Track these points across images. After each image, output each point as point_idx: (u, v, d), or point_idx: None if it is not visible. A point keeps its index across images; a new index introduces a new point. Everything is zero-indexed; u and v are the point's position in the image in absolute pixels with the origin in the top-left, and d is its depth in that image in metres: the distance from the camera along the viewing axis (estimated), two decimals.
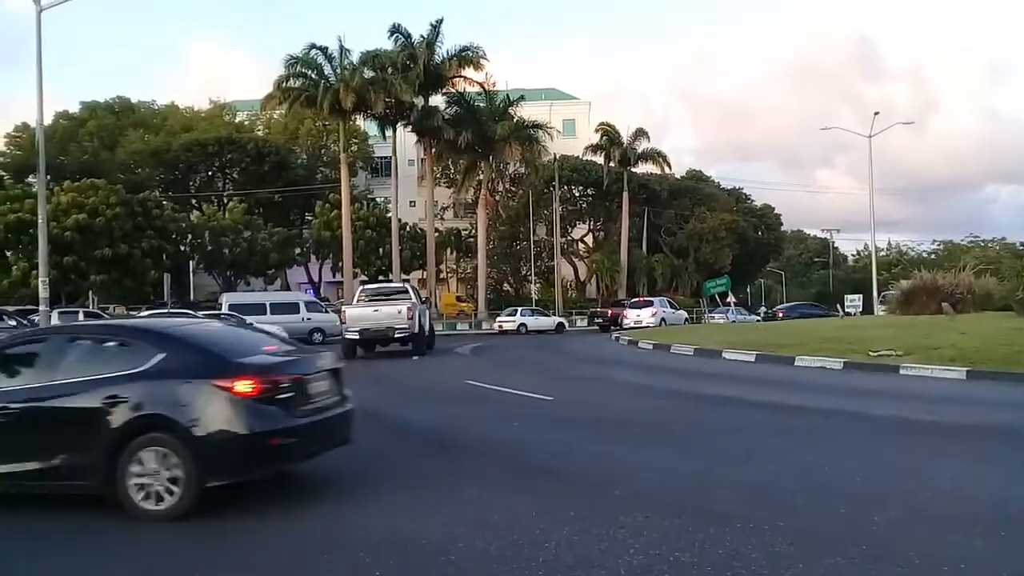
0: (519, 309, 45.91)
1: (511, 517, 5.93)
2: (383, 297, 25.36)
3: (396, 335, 23.54)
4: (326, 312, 35.35)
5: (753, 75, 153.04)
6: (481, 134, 48.88)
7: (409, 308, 23.71)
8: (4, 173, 51.68)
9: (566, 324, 46.83)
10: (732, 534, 5.26)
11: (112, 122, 60.05)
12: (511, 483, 7.13)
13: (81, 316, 30.25)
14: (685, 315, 47.27)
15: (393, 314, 23.54)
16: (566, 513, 5.97)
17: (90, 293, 40.40)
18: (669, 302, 45.74)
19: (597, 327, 45.45)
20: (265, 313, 31.64)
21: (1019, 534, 5.28)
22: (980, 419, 10.32)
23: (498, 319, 44.57)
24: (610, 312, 47.14)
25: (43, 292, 20.52)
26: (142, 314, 27.39)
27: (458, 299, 59.96)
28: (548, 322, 44.74)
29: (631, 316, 42.09)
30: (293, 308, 33.50)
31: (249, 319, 29.21)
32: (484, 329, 46.69)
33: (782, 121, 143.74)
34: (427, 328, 26.05)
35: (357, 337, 23.75)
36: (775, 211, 73.82)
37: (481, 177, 54.03)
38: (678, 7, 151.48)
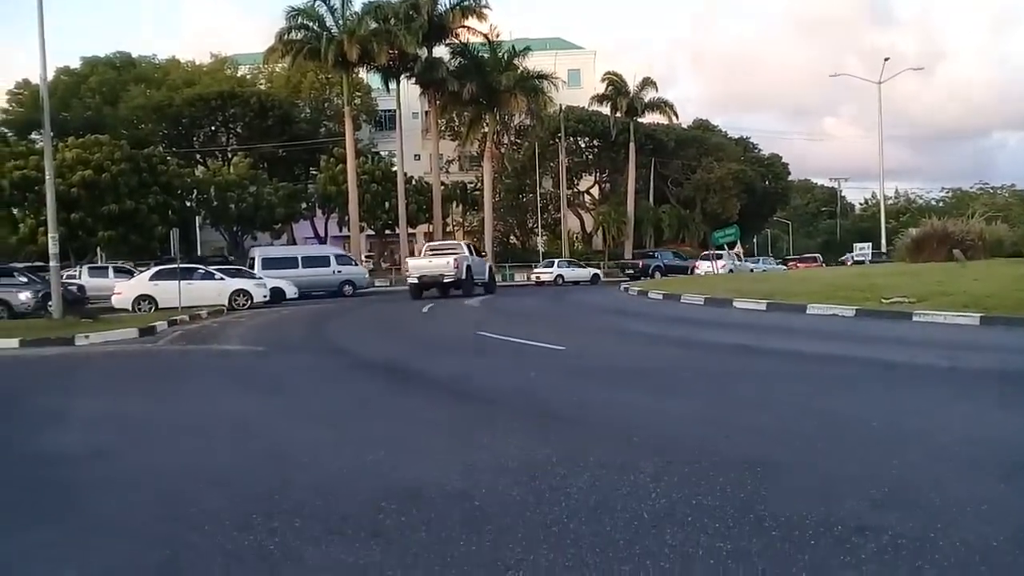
0: (556, 260, 46.36)
1: (531, 464, 5.94)
2: (440, 251, 31.33)
3: (445, 280, 29.29)
4: (355, 265, 36.10)
5: (760, 23, 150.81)
6: (486, 85, 48.39)
7: (456, 260, 29.58)
8: (7, 130, 51.43)
9: (601, 275, 46.93)
10: (752, 478, 5.26)
11: (114, 77, 59.44)
12: (528, 431, 7.14)
13: (111, 273, 30.38)
14: (751, 265, 48.61)
15: (443, 264, 29.50)
16: (585, 459, 5.98)
17: (98, 249, 40.44)
18: (737, 255, 47.15)
19: (627, 278, 45.57)
20: (297, 267, 32.37)
21: None
22: (996, 364, 10.29)
23: (535, 270, 44.74)
24: (640, 263, 48.44)
25: (53, 248, 20.47)
26: (152, 270, 27.48)
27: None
28: (584, 273, 45.10)
29: (702, 267, 44.06)
30: (324, 261, 34.17)
31: (282, 272, 29.85)
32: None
33: (789, 70, 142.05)
34: (485, 275, 32.33)
35: (416, 281, 29.66)
36: (782, 160, 73.22)
37: (486, 129, 53.60)
38: None
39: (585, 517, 4.66)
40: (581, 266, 47.62)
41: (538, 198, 58.46)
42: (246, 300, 26.89)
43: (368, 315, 23.02)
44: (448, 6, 47.78)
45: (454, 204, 61.56)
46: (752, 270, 45.31)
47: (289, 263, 32.67)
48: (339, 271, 34.02)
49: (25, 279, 24.81)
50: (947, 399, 8.05)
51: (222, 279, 27.36)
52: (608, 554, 4.11)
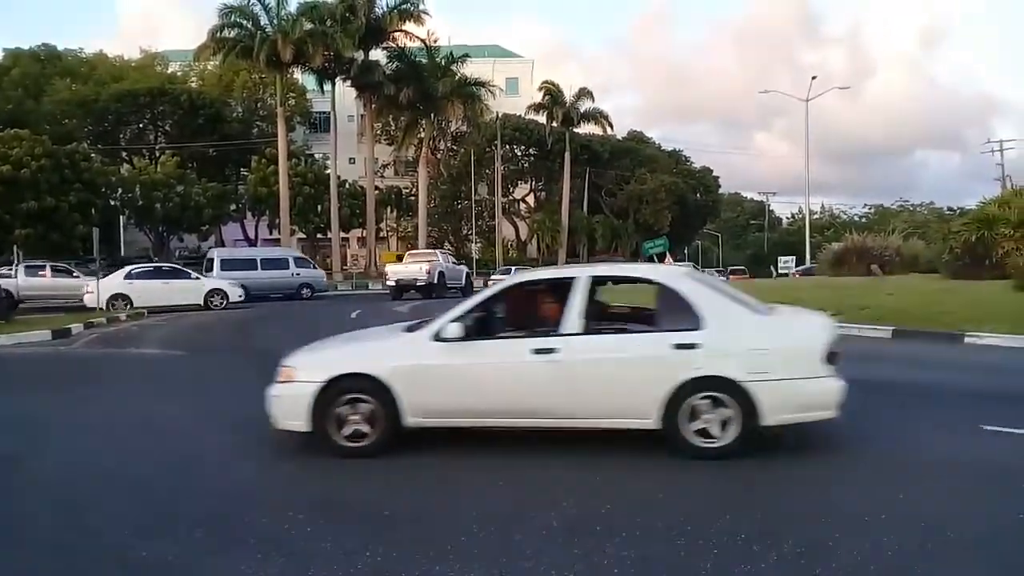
0: (513, 268, 46.48)
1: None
2: (417, 259, 35.09)
3: (419, 283, 32.45)
4: (314, 268, 35.80)
5: (695, 37, 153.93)
6: (423, 91, 48.28)
7: (429, 266, 33.00)
8: None
9: None
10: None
11: (37, 70, 57.37)
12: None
13: (49, 272, 29.25)
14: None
15: (416, 270, 32.96)
16: (518, 459, 6.01)
17: (15, 248, 39.01)
18: (694, 266, 49.19)
19: None
20: (256, 268, 32.02)
21: (941, 486, 5.49)
22: (903, 376, 10.67)
23: (492, 277, 44.83)
24: None
25: None
26: (126, 268, 27.11)
27: (398, 257, 59.50)
28: None
29: None
30: (283, 264, 33.81)
31: (240, 274, 29.28)
32: None
33: (722, 84, 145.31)
34: (461, 281, 35.74)
35: (395, 284, 33.02)
36: (713, 173, 74.76)
37: (422, 135, 53.49)
38: None
39: (495, 527, 4.67)
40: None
41: (473, 205, 58.53)
42: (222, 300, 26.74)
43: (308, 318, 22.70)
44: (386, 9, 47.57)
45: (388, 209, 61.16)
46: None
47: (248, 264, 32.24)
48: (298, 273, 33.72)
49: None
50: (854, 412, 8.30)
51: (197, 278, 27.23)
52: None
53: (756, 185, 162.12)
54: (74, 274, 29.20)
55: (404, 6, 47.32)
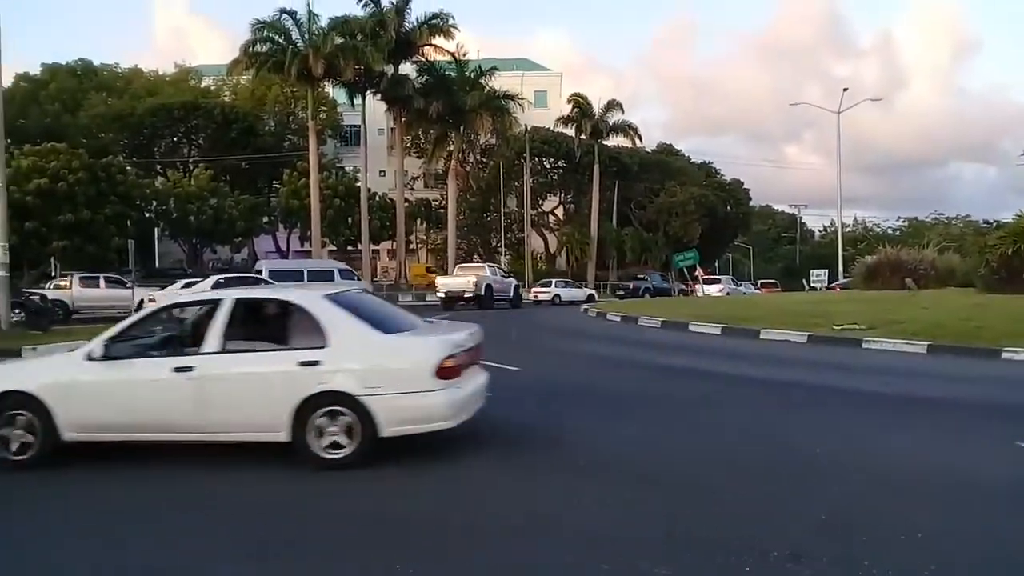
0: (553, 281, 46.83)
1: (478, 483, 5.94)
2: (465, 272, 36.89)
3: (466, 295, 34.00)
4: (358, 280, 36.03)
5: (725, 49, 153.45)
6: (452, 104, 48.50)
7: (477, 278, 34.63)
8: None
9: (596, 296, 47.55)
10: (693, 504, 5.31)
11: (74, 85, 58.56)
12: (476, 450, 7.13)
13: (102, 283, 29.83)
14: (745, 289, 53.16)
15: (464, 283, 34.68)
16: (531, 480, 6.00)
17: (52, 259, 39.67)
18: (732, 279, 52.90)
19: (618, 299, 46.67)
20: (303, 280, 32.14)
21: (974, 505, 5.38)
22: (939, 392, 10.50)
23: (533, 289, 44.93)
24: (632, 284, 50.76)
25: (2, 258, 20.02)
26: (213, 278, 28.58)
27: (428, 270, 59.76)
28: (580, 293, 45.68)
29: (699, 290, 47.60)
30: (329, 275, 34.02)
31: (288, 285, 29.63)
32: None
33: (752, 96, 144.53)
34: (510, 293, 37.33)
35: (444, 295, 34.74)
36: (744, 186, 74.26)
37: (452, 147, 53.70)
38: None
39: (525, 539, 4.66)
40: (578, 286, 48.61)
41: (502, 217, 58.62)
42: None
43: None
44: (416, 24, 47.90)
45: (418, 221, 61.47)
46: (745, 293, 49.66)
47: (295, 276, 32.36)
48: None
49: None
50: (890, 426, 8.18)
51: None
52: None
53: (787, 197, 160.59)
54: (127, 285, 29.88)
55: (434, 21, 47.63)
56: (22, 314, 20.75)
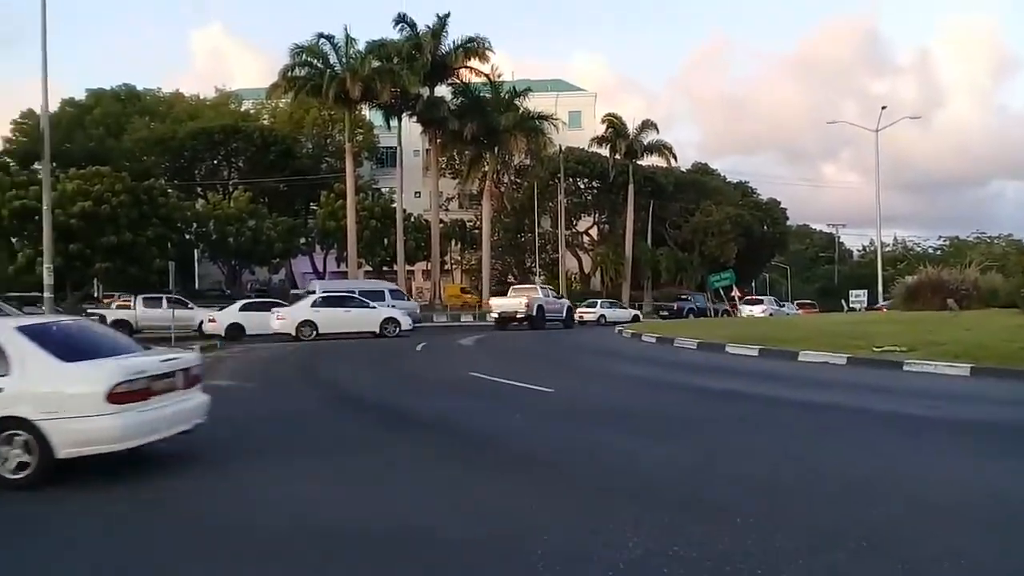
0: (599, 301, 46.99)
1: (510, 508, 5.93)
2: (518, 293, 37.28)
3: (518, 316, 34.66)
4: (408, 300, 37.03)
5: (760, 68, 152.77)
6: (486, 125, 48.82)
7: (528, 299, 35.15)
8: (9, 160, 51.69)
9: (640, 316, 47.58)
10: (732, 528, 5.25)
11: (118, 109, 59.92)
12: (512, 474, 7.14)
13: (164, 303, 30.63)
14: (788, 310, 53.72)
15: (516, 303, 35.30)
16: (567, 505, 5.98)
17: (95, 281, 40.45)
18: (775, 299, 53.52)
19: (662, 319, 47.01)
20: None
21: (1019, 530, 5.27)
22: (983, 415, 10.30)
23: (579, 310, 45.14)
24: (676, 305, 51.54)
25: (47, 279, 20.57)
26: (312, 297, 30.50)
27: (462, 290, 60.01)
28: (625, 314, 45.77)
29: (744, 310, 48.02)
30: (380, 296, 34.65)
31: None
32: (488, 320, 46.68)
33: (788, 115, 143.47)
34: (562, 313, 37.95)
35: (497, 316, 35.40)
36: (780, 205, 73.64)
37: (486, 168, 53.98)
38: (682, 1, 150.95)
39: (560, 566, 4.64)
40: (622, 307, 48.66)
41: (536, 238, 58.71)
42: (395, 328, 29.08)
43: (379, 351, 22.97)
44: (451, 47, 48.37)
45: (453, 242, 61.76)
46: (788, 314, 50.30)
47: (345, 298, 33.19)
48: (392, 306, 34.36)
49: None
50: (932, 450, 8.04)
51: (374, 307, 30.03)
52: None
53: (825, 217, 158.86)
54: (188, 306, 31.14)
55: (469, 44, 48.07)
56: None
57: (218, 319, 28.67)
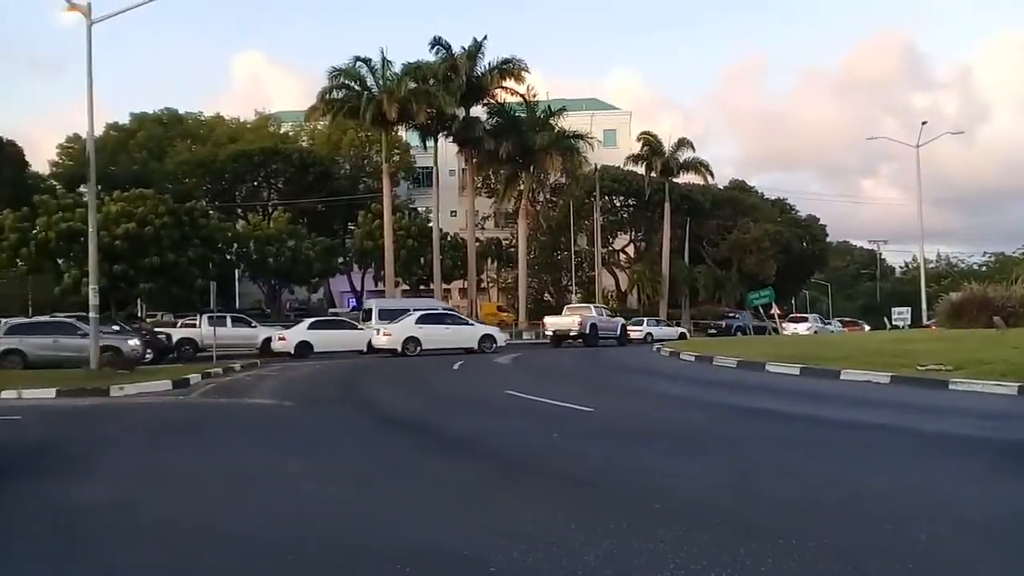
0: (645, 319, 46.99)
1: (550, 529, 5.87)
2: (572, 312, 39.14)
3: (571, 333, 36.07)
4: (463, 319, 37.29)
5: (797, 84, 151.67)
6: (522, 144, 49.01)
7: (582, 318, 36.72)
8: (56, 183, 52.97)
9: (688, 334, 47.37)
10: (774, 550, 5.14)
11: (160, 133, 61.29)
12: (549, 494, 7.08)
13: (229, 322, 31.62)
14: (834, 328, 53.97)
15: (569, 322, 36.80)
16: (605, 526, 5.90)
17: (139, 301, 41.15)
18: (819, 317, 54.36)
19: (710, 336, 47.30)
20: (407, 317, 33.19)
21: None
22: None
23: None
24: (724, 323, 51.50)
25: (93, 299, 20.95)
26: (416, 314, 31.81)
27: (499, 309, 60.06)
28: (672, 332, 45.72)
29: (789, 328, 48.37)
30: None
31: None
32: (524, 339, 46.65)
33: (826, 131, 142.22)
34: (616, 331, 39.06)
35: (552, 333, 36.88)
36: (820, 222, 72.83)
37: (522, 187, 54.13)
38: (717, 18, 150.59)
39: None
40: (669, 325, 48.50)
41: (573, 256, 58.66)
42: (491, 344, 31.05)
43: (417, 369, 23.10)
44: (487, 68, 48.72)
45: (489, 260, 61.93)
46: (833, 331, 50.09)
47: (403, 315, 33.70)
48: None
49: (117, 327, 26.27)
50: (980, 471, 7.83)
51: (473, 325, 32.07)
52: None
53: (866, 233, 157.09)
54: (252, 324, 32.11)
55: (504, 65, 48.38)
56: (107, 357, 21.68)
57: (288, 337, 29.95)
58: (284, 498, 7.17)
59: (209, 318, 31.50)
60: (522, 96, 50.43)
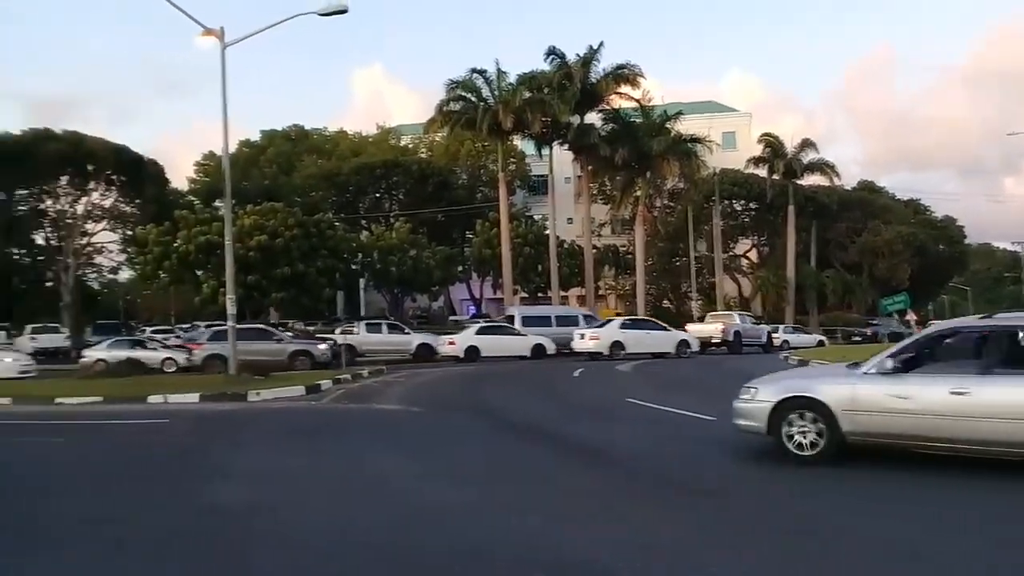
0: (780, 327, 46.05)
1: (675, 540, 5.77)
2: (714, 319, 39.76)
3: (714, 340, 36.25)
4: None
5: (925, 81, 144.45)
6: (638, 150, 48.49)
7: (725, 325, 37.36)
8: (194, 198, 56.11)
9: (826, 341, 46.03)
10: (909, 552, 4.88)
11: (289, 149, 64.03)
12: (672, 504, 6.95)
13: (385, 329, 33.56)
14: None
15: (712, 329, 37.41)
16: (730, 537, 5.75)
17: (271, 309, 43.03)
18: (908, 322, 52.16)
19: (854, 344, 45.17)
20: (551, 325, 34.60)
21: None
22: None
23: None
24: (868, 330, 50.12)
25: (231, 308, 22.03)
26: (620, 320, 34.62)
27: (617, 315, 59.56)
28: (809, 339, 44.53)
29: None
30: (574, 320, 35.71)
31: (539, 329, 33.25)
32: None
33: (960, 127, 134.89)
34: (762, 338, 39.16)
35: (697, 340, 34.91)
36: (957, 223, 69.00)
37: (638, 193, 53.53)
38: (836, 15, 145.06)
39: None
40: (806, 332, 46.95)
41: (692, 262, 57.57)
42: (687, 349, 32.17)
43: (535, 375, 23.28)
44: (601, 74, 48.46)
45: (606, 267, 61.58)
46: None
47: (544, 321, 34.96)
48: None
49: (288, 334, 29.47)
50: None
51: (670, 330, 33.21)
52: None
53: (1009, 234, 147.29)
54: (405, 331, 34.00)
55: (619, 71, 48.03)
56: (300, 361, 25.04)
57: (457, 342, 31.33)
58: (411, 503, 7.33)
59: (367, 325, 33.27)
60: (637, 101, 49.90)
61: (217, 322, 33.78)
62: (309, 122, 71.34)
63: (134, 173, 52.18)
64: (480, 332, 32.28)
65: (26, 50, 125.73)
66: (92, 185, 52.33)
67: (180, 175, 62.49)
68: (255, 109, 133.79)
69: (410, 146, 67.02)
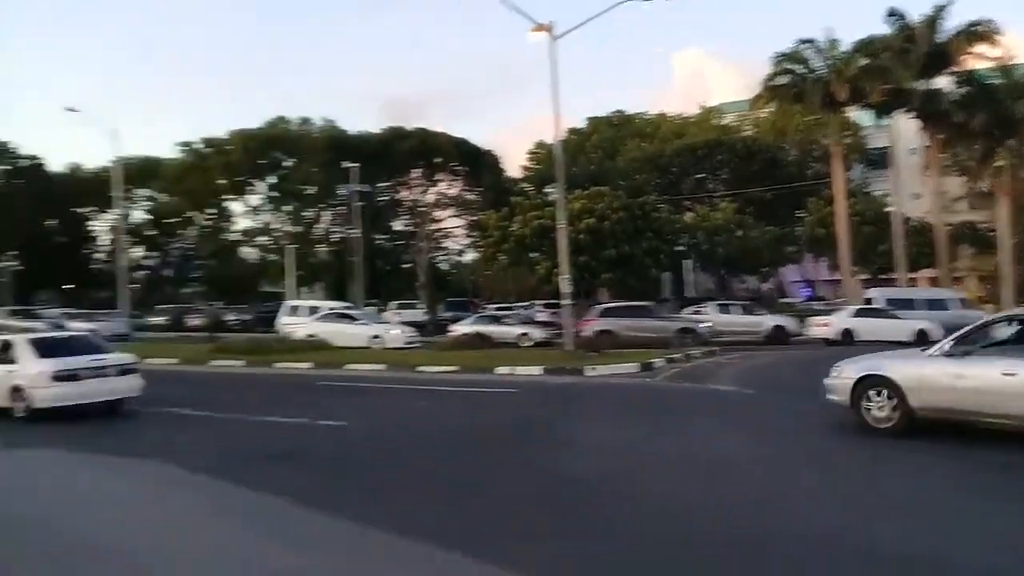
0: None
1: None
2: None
3: None
4: (967, 309, 34.72)
5: None
6: (998, 114, 43.11)
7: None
8: (527, 185, 59.68)
9: None
10: None
11: (612, 134, 65.65)
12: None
13: (738, 309, 33.93)
14: None
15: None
16: None
17: (603, 290, 44.80)
18: None
19: None
20: (913, 307, 32.99)
21: None
22: None
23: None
24: None
25: (565, 288, 23.43)
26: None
27: (980, 300, 53.63)
28: None
29: None
30: (942, 305, 33.81)
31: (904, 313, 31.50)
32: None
33: None
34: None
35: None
36: None
37: (1001, 163, 47.64)
38: None
39: None
40: None
41: None
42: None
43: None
44: (951, 33, 43.75)
45: (963, 247, 55.78)
46: None
47: (909, 304, 33.27)
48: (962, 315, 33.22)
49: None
50: None
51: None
52: None
53: None
54: (756, 312, 33.97)
55: (973, 28, 43.02)
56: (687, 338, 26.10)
57: (831, 323, 30.52)
58: (748, 485, 7.47)
59: (719, 306, 33.46)
60: (996, 60, 44.35)
61: (553, 300, 35.79)
62: (630, 107, 72.56)
63: (473, 163, 57.15)
64: (857, 315, 31.02)
65: (377, 55, 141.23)
66: (439, 176, 58.17)
67: (512, 164, 66.64)
68: (580, 98, 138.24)
69: (733, 125, 65.62)
